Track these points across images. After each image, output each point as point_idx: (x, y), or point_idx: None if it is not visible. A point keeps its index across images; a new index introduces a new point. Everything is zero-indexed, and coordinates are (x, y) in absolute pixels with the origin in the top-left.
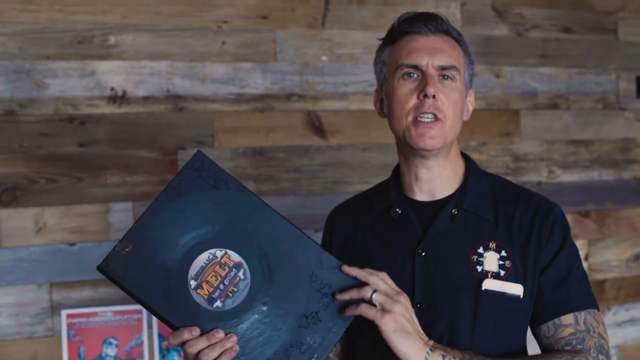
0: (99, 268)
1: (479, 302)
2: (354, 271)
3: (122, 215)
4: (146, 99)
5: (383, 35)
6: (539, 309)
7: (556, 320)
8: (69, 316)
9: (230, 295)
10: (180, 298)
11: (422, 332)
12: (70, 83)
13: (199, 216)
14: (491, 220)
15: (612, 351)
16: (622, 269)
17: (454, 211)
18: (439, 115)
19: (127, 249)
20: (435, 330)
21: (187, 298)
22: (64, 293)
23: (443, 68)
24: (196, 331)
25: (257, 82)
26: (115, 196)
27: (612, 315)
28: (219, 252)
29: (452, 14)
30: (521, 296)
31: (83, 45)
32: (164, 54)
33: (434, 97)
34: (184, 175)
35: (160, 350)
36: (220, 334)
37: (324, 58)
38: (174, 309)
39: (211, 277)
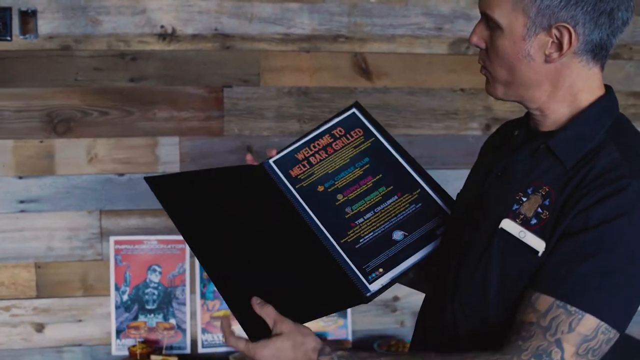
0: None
1: (492, 239)
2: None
3: (169, 149)
4: (194, 37)
5: None
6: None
7: (534, 297)
8: (116, 242)
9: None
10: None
11: (309, 349)
12: (122, 20)
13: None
14: (567, 168)
15: None
16: None
17: (542, 146)
18: (484, 65)
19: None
20: (453, 249)
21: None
22: (113, 220)
23: (483, 14)
24: None
25: (304, 22)
26: (163, 130)
27: None
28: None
29: None
30: (539, 253)
31: None
32: None
33: (477, 46)
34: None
35: (202, 279)
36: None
37: (372, 0)
38: None
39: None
